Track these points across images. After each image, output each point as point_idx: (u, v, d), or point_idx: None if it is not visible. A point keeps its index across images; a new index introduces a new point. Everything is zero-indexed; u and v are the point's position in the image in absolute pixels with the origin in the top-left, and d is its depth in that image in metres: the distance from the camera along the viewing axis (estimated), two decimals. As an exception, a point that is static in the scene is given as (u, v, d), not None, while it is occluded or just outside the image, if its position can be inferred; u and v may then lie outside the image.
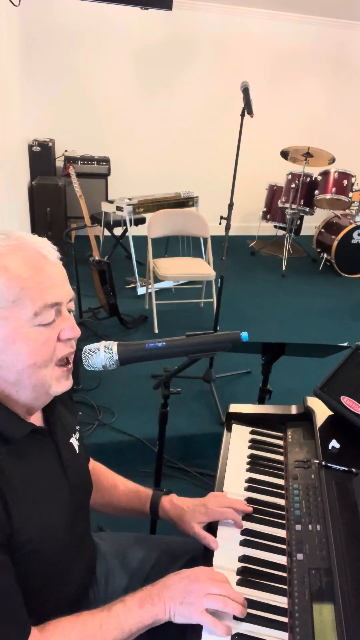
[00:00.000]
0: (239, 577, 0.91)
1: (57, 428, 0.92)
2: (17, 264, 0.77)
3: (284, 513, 1.05)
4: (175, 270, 3.45)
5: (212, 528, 1.03)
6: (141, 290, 3.93)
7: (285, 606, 0.85)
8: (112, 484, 1.15)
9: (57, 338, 0.82)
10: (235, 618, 0.82)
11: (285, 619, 0.83)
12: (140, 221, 4.28)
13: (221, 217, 2.62)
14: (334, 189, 4.63)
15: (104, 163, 4.81)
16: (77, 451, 0.98)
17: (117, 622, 0.80)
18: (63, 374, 0.85)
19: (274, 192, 5.06)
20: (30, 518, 0.79)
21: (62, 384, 0.85)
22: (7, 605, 0.73)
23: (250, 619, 0.82)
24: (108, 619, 0.80)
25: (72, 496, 0.91)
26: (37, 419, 0.90)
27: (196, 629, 0.80)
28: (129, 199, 3.93)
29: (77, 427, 1.03)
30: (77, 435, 1.01)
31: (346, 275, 4.76)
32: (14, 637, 0.73)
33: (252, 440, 1.28)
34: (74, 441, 0.98)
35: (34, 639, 0.75)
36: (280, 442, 1.28)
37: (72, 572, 0.93)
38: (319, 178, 4.75)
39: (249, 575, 0.91)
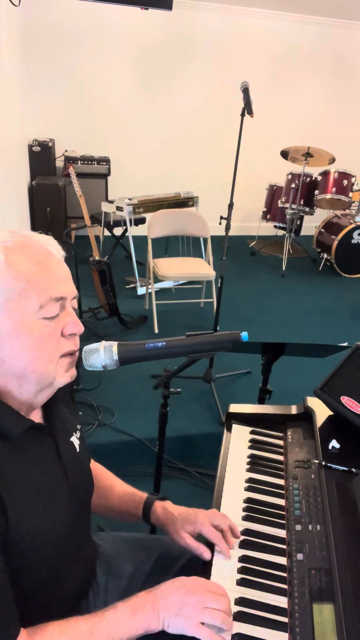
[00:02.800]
0: (239, 577, 0.91)
1: (57, 426, 0.92)
2: (23, 259, 0.79)
3: (284, 513, 1.05)
4: (175, 270, 3.45)
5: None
6: (141, 290, 3.93)
7: (285, 606, 0.85)
8: (109, 485, 1.14)
9: (61, 333, 0.82)
10: (235, 618, 0.82)
11: (285, 619, 0.83)
12: (140, 221, 4.28)
13: (221, 217, 2.62)
14: (334, 189, 4.62)
15: (104, 163, 4.81)
16: (78, 450, 0.98)
17: (108, 630, 0.79)
18: (68, 364, 0.85)
19: (274, 192, 5.06)
20: (27, 514, 0.79)
21: (66, 375, 0.85)
22: None
23: (250, 619, 0.82)
24: (99, 626, 0.79)
25: (71, 494, 0.91)
26: (36, 417, 0.90)
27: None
28: (129, 199, 3.93)
29: (78, 427, 1.02)
30: (78, 434, 1.01)
31: (346, 275, 4.76)
32: (3, 637, 0.73)
33: (252, 440, 1.28)
34: (75, 440, 0.98)
35: None
36: (280, 442, 1.28)
37: (71, 572, 0.93)
38: (319, 178, 4.75)
39: (249, 575, 0.91)
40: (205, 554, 0.95)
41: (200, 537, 1.00)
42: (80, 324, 0.85)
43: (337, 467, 1.06)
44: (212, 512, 1.02)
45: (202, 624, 0.79)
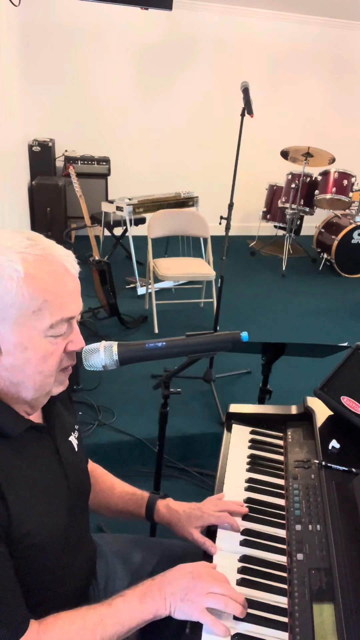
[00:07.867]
0: (239, 576, 0.91)
1: (56, 426, 0.93)
2: (43, 276, 0.78)
3: (284, 513, 1.05)
4: (175, 270, 3.45)
5: (212, 529, 1.03)
6: (141, 290, 3.93)
7: (285, 606, 0.85)
8: (110, 485, 1.15)
9: (64, 349, 0.84)
10: (236, 618, 0.82)
11: (285, 619, 0.83)
12: (140, 221, 4.28)
13: (221, 217, 2.62)
14: (334, 189, 4.62)
15: (104, 163, 4.81)
16: (76, 450, 0.98)
17: (118, 617, 0.80)
18: (63, 377, 0.88)
19: (274, 192, 5.06)
20: (28, 512, 0.80)
21: (60, 387, 0.88)
22: (5, 596, 0.73)
23: (250, 619, 0.82)
24: (108, 613, 0.80)
25: (70, 493, 0.91)
26: (36, 417, 0.91)
27: (195, 626, 0.80)
28: (129, 199, 3.93)
29: (77, 427, 1.03)
30: (76, 434, 1.01)
31: (346, 275, 4.76)
32: (13, 629, 0.73)
33: (252, 440, 1.28)
34: (73, 440, 0.99)
35: (33, 632, 0.75)
36: (280, 442, 1.28)
37: (71, 570, 0.93)
38: (319, 178, 4.75)
39: (249, 575, 0.91)
40: (212, 548, 0.96)
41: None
42: (83, 341, 0.86)
43: (337, 467, 1.06)
44: (212, 504, 1.05)
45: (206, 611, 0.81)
